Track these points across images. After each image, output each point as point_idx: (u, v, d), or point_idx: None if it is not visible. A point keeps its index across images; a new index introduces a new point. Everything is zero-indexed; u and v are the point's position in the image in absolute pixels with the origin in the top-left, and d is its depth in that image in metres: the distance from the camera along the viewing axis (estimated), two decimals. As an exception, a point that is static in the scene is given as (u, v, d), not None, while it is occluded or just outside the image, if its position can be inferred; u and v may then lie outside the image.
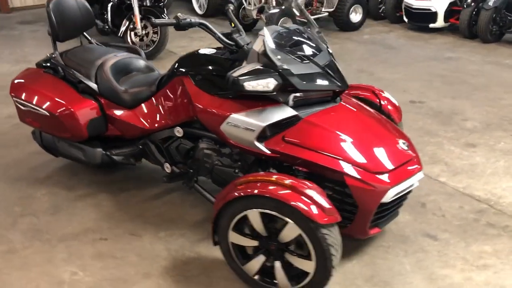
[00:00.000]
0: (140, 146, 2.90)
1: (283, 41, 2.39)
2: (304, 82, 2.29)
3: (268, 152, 2.34)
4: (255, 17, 6.78)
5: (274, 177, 2.07)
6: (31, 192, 3.12)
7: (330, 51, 2.52)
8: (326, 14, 7.05)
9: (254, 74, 2.20)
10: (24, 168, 3.41)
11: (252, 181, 2.09)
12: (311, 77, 2.32)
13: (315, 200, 1.98)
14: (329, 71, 2.37)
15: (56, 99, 2.86)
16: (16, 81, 3.06)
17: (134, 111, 2.84)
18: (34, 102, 2.90)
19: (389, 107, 2.92)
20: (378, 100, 2.92)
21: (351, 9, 7.05)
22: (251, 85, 2.18)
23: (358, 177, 2.20)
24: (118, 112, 2.87)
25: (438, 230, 2.68)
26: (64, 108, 2.82)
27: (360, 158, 2.24)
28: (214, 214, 2.17)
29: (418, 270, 2.39)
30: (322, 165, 2.23)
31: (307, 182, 2.07)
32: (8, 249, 2.60)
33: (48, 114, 2.86)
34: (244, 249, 2.23)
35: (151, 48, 5.79)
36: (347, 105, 2.48)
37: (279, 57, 2.27)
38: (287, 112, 2.33)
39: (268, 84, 2.20)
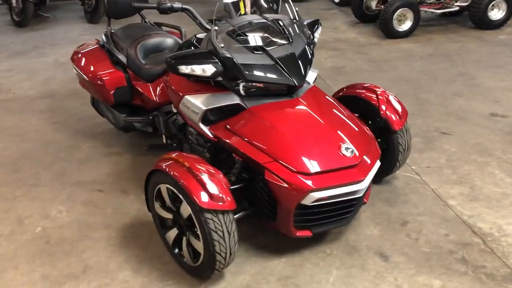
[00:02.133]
0: (151, 117, 3.24)
1: (244, 30, 2.43)
2: (247, 72, 2.32)
3: (211, 135, 2.44)
4: (374, 7, 6.51)
5: (182, 158, 2.19)
6: (79, 144, 3.73)
7: (304, 45, 2.46)
8: (457, 8, 6.36)
9: (193, 59, 2.32)
10: (89, 123, 4.05)
11: (167, 158, 2.25)
12: (258, 68, 2.34)
13: (204, 184, 2.05)
14: (282, 64, 2.35)
15: (94, 67, 3.36)
16: (75, 50, 3.66)
17: (151, 85, 3.18)
18: (81, 69, 3.46)
19: (388, 112, 2.72)
20: (376, 102, 2.73)
21: (491, 4, 6.21)
22: (187, 68, 2.30)
23: (276, 173, 2.18)
24: (140, 85, 3.25)
25: (396, 252, 2.44)
26: (97, 75, 3.31)
27: (286, 155, 2.21)
28: (144, 183, 2.39)
29: (339, 285, 2.25)
30: (246, 154, 2.26)
31: (208, 168, 2.14)
32: (33, 183, 3.22)
33: (88, 79, 3.39)
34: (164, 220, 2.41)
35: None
36: (302, 101, 2.42)
37: (222, 45, 2.34)
38: (231, 99, 2.39)
39: (204, 69, 2.30)
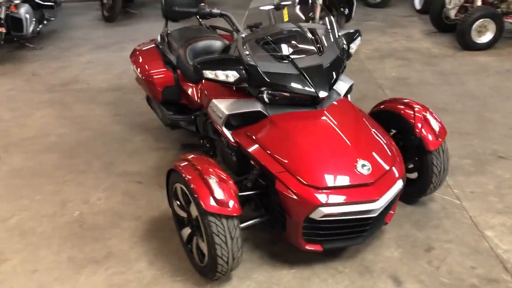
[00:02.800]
0: (193, 117, 3.35)
1: (274, 38, 2.44)
2: (269, 81, 2.33)
3: (232, 140, 2.49)
4: (453, 17, 6.14)
5: (196, 161, 2.26)
6: (133, 136, 3.95)
7: (335, 56, 2.42)
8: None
9: (218, 64, 2.37)
10: (146, 118, 4.26)
11: (184, 159, 2.32)
12: (282, 78, 2.34)
13: (211, 188, 2.10)
14: (306, 74, 2.33)
15: (147, 66, 3.54)
16: (134, 48, 3.88)
17: (195, 86, 3.30)
18: (136, 66, 3.66)
19: (424, 130, 2.59)
20: (412, 120, 2.62)
21: None
22: (211, 73, 2.36)
23: (286, 184, 2.17)
24: (186, 85, 3.38)
25: (412, 279, 2.32)
26: (149, 73, 3.48)
27: (298, 167, 2.20)
28: (166, 180, 2.49)
29: (343, 304, 2.20)
30: (261, 162, 2.28)
31: (219, 173, 2.19)
32: (83, 169, 3.47)
33: (141, 76, 3.58)
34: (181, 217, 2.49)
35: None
36: (325, 113, 2.38)
37: (247, 52, 2.37)
38: (253, 106, 2.42)
39: (228, 75, 2.35)
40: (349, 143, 2.26)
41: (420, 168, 2.70)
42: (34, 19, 6.36)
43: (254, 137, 2.38)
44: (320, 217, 2.16)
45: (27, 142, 3.90)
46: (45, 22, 7.12)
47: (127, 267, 2.49)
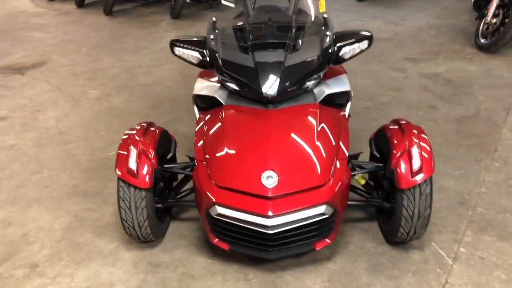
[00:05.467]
0: None
1: (252, 28, 2.37)
2: (224, 69, 2.30)
3: (197, 119, 2.55)
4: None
5: (142, 131, 2.41)
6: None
7: (310, 58, 2.25)
8: None
9: (188, 44, 2.43)
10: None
11: (139, 125, 2.50)
12: (237, 68, 2.30)
13: (129, 158, 2.25)
14: (259, 70, 2.22)
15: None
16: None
17: None
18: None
19: (401, 163, 2.21)
20: (394, 147, 2.27)
21: None
22: (178, 51, 2.44)
23: (198, 173, 2.19)
24: None
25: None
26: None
27: (213, 161, 2.19)
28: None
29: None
30: (195, 146, 2.32)
31: (145, 147, 2.29)
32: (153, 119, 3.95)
33: None
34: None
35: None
36: (272, 114, 2.23)
37: (212, 36, 2.36)
38: (213, 92, 2.44)
39: (192, 55, 2.40)
40: (269, 151, 2.09)
41: (392, 206, 2.29)
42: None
43: (203, 121, 2.40)
44: (215, 215, 2.11)
45: (138, 87, 4.58)
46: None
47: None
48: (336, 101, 2.46)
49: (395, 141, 2.26)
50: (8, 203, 2.91)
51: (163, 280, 2.29)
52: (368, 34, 2.40)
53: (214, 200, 2.07)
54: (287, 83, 2.21)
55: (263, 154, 2.09)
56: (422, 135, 2.28)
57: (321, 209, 2.06)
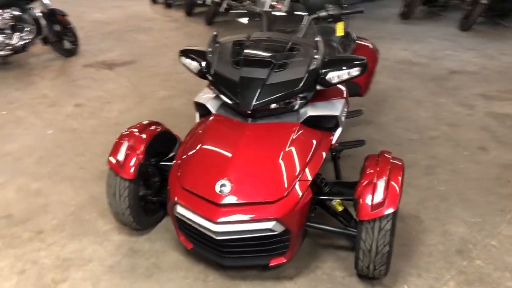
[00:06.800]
0: None
1: (252, 44, 2.48)
2: (213, 80, 2.45)
3: (196, 125, 2.72)
4: None
5: (141, 126, 2.65)
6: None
7: (294, 78, 2.30)
8: None
9: (193, 54, 2.61)
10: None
11: (145, 121, 2.74)
12: (224, 81, 2.42)
13: (119, 149, 2.50)
14: (241, 85, 2.32)
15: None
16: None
17: None
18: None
19: (365, 193, 2.16)
20: (361, 176, 2.25)
21: None
22: (183, 61, 2.63)
23: (172, 172, 2.36)
24: None
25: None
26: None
27: (185, 162, 2.33)
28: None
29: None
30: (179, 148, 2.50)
31: (137, 141, 2.51)
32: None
33: None
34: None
35: None
36: (248, 128, 2.32)
37: (211, 49, 2.51)
38: (207, 100, 2.58)
39: (192, 65, 2.58)
40: (231, 161, 2.17)
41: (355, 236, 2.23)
42: None
43: (196, 126, 2.55)
44: (176, 214, 2.26)
45: (200, 92, 4.88)
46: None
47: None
48: (323, 124, 2.46)
49: (366, 171, 2.21)
50: (47, 176, 3.35)
51: (134, 265, 2.49)
52: (361, 61, 2.36)
53: (176, 199, 2.22)
54: (264, 100, 2.28)
55: (225, 163, 2.18)
56: (397, 170, 2.19)
57: (270, 224, 2.09)
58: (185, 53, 2.64)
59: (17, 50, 5.63)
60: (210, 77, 2.47)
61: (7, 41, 5.51)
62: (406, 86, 5.01)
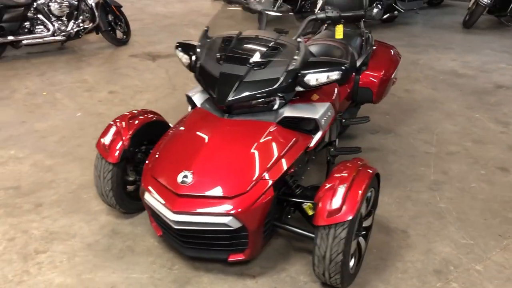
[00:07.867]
0: None
1: (237, 42, 2.51)
2: (197, 74, 2.51)
3: (188, 116, 2.79)
4: None
5: (137, 112, 2.76)
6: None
7: (272, 77, 2.32)
8: None
9: (186, 48, 2.67)
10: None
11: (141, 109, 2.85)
12: (206, 75, 2.48)
13: (107, 133, 2.63)
14: (219, 80, 2.36)
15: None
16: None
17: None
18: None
19: (325, 198, 2.13)
20: (326, 180, 2.23)
21: None
22: (178, 53, 2.71)
23: (148, 160, 2.44)
24: None
25: None
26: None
27: (160, 151, 2.41)
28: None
29: None
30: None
31: (127, 129, 2.61)
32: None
33: None
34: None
35: None
36: (222, 123, 2.36)
37: (200, 43, 2.56)
38: (193, 93, 2.64)
39: (182, 58, 2.65)
40: (198, 154, 2.21)
41: (315, 241, 2.19)
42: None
43: (181, 119, 2.62)
44: (145, 200, 2.34)
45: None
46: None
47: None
48: (302, 126, 2.43)
49: (332, 176, 2.17)
50: (62, 155, 3.58)
51: (110, 245, 2.61)
52: (341, 65, 2.31)
53: (143, 186, 2.30)
54: (239, 96, 2.29)
55: (191, 155, 2.23)
56: (363, 178, 2.13)
57: (226, 219, 2.10)
58: (180, 46, 2.72)
59: (71, 37, 6.02)
60: (196, 71, 2.53)
61: (63, 28, 5.90)
62: (441, 98, 4.78)
